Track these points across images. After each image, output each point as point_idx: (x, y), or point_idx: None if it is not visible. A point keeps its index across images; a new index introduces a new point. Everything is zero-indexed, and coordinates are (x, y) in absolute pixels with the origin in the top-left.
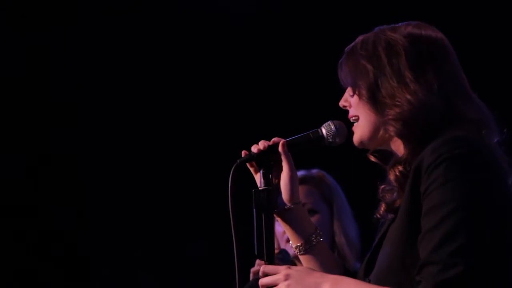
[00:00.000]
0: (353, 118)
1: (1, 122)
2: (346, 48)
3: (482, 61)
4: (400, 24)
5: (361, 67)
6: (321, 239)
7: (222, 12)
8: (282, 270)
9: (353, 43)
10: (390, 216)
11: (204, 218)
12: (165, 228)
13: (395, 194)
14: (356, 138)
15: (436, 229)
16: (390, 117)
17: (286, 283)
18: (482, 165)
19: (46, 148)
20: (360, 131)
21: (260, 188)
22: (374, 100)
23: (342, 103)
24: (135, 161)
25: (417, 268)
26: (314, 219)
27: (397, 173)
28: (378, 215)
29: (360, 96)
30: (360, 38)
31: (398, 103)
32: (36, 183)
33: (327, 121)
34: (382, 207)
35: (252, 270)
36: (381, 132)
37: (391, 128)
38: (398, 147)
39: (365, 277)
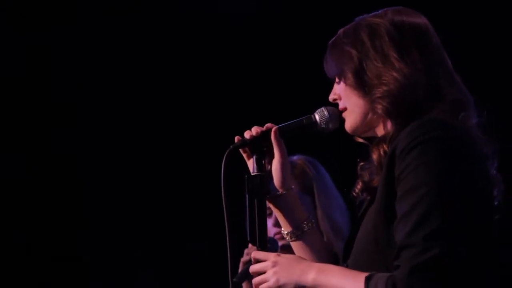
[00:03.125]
0: (344, 109)
1: (1, 122)
2: (329, 42)
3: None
4: (380, 10)
5: (345, 53)
6: (313, 226)
7: (222, 12)
8: (272, 257)
9: (335, 36)
10: (366, 196)
11: (204, 217)
12: (165, 227)
13: (373, 173)
14: (348, 126)
15: (410, 213)
16: (378, 95)
17: (273, 270)
18: (457, 149)
19: (46, 148)
20: (352, 118)
21: (252, 174)
22: (361, 83)
23: (331, 97)
24: (134, 160)
25: (394, 253)
26: None
27: (381, 152)
28: (354, 193)
29: (346, 81)
30: (341, 30)
31: (384, 81)
32: (36, 183)
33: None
34: (359, 185)
35: (242, 260)
36: (370, 114)
37: (378, 106)
38: (385, 127)
39: (343, 262)
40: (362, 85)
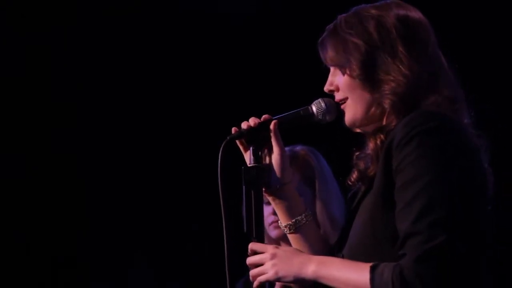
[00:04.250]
0: (342, 100)
1: (1, 122)
2: (327, 27)
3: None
4: (380, 3)
5: (350, 44)
6: (311, 219)
7: (222, 12)
8: (270, 249)
9: (334, 22)
10: (361, 186)
11: (203, 214)
12: (163, 226)
13: (368, 162)
14: (349, 118)
15: (413, 202)
16: (386, 92)
17: (271, 262)
18: (455, 141)
19: (46, 148)
20: (353, 110)
21: (249, 165)
22: (368, 77)
23: (328, 87)
24: (132, 157)
25: (399, 242)
26: None
27: (378, 142)
28: (349, 182)
29: (351, 73)
30: (341, 17)
31: (393, 78)
32: (36, 183)
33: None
34: (355, 175)
35: None
36: (373, 108)
37: (387, 101)
38: (386, 121)
39: (338, 253)
40: (368, 79)
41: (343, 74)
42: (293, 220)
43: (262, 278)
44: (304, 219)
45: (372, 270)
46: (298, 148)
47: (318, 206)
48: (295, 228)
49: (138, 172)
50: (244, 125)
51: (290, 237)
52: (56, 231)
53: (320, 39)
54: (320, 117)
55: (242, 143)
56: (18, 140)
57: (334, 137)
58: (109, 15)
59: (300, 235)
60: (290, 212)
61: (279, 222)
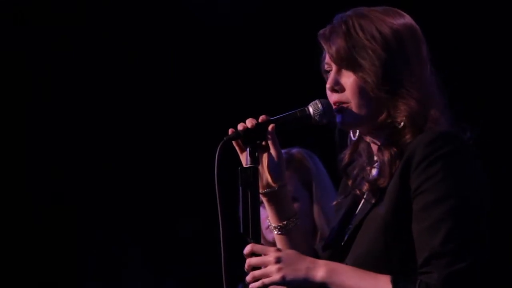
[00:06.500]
0: (345, 103)
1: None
2: (335, 24)
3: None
4: (384, 8)
5: (370, 51)
6: (298, 223)
7: (222, 12)
8: (272, 252)
9: (343, 21)
10: (370, 197)
11: (201, 212)
12: (160, 224)
13: (376, 173)
14: (350, 121)
15: (441, 222)
16: (401, 106)
17: (277, 266)
18: (474, 161)
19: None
20: (356, 114)
21: (245, 166)
22: (382, 86)
23: (332, 86)
24: (130, 159)
25: (423, 259)
26: (294, 206)
27: (392, 154)
28: (358, 192)
29: (366, 78)
30: (352, 18)
31: (407, 90)
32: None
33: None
34: (366, 186)
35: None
36: (382, 116)
37: (402, 114)
38: (392, 132)
39: (341, 262)
40: (384, 89)
41: (356, 77)
42: (284, 222)
43: (267, 281)
44: (294, 221)
45: (394, 284)
46: (294, 150)
47: (316, 209)
48: (285, 230)
49: (135, 172)
50: (240, 126)
51: (277, 237)
52: (44, 209)
53: (323, 32)
54: (317, 118)
55: (238, 144)
56: (17, 139)
57: (331, 139)
58: (109, 15)
59: (287, 237)
60: (283, 214)
61: (268, 222)
